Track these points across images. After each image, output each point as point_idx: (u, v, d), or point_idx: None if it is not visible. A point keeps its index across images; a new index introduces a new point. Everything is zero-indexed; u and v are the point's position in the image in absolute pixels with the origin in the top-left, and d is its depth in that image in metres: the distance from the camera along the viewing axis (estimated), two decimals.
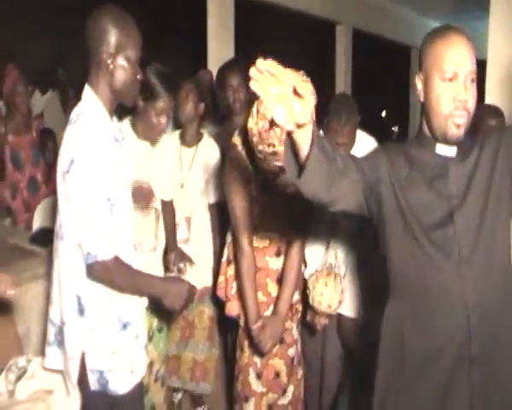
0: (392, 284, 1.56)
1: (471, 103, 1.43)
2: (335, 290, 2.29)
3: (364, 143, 2.52)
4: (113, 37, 1.63)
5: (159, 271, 2.46)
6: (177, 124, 2.92)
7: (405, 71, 9.17)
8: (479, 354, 1.45)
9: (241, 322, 2.24)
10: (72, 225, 1.61)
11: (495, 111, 2.56)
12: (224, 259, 2.33)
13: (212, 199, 2.80)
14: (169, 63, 2.95)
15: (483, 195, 1.49)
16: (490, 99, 3.29)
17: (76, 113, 1.65)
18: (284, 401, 2.24)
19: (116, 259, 1.62)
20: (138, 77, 1.72)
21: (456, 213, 1.48)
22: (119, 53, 1.64)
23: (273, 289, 2.19)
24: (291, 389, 2.24)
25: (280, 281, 2.18)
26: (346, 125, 2.37)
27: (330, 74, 7.09)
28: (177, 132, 2.82)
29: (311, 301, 2.31)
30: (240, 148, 2.07)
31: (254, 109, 1.89)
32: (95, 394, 1.69)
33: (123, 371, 1.72)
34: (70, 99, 4.88)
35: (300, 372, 2.31)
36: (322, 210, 1.66)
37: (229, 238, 2.31)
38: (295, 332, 2.27)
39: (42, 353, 1.88)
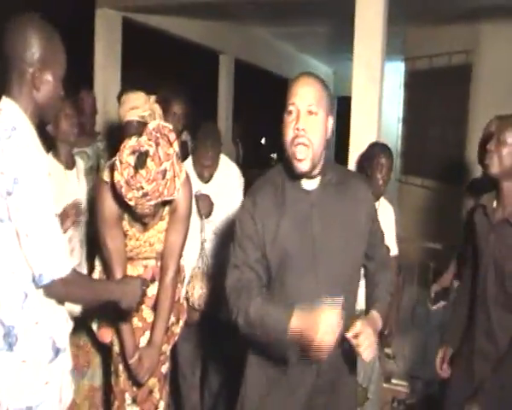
0: None
1: (311, 133, 1.59)
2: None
3: (227, 168, 2.91)
4: (42, 50, 1.54)
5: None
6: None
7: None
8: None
9: (116, 348, 2.24)
10: (6, 249, 1.49)
11: (385, 149, 2.83)
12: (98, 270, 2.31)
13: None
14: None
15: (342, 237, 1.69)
16: (354, 132, 3.60)
17: (3, 128, 1.49)
18: None
19: (74, 271, 1.55)
20: (61, 94, 1.65)
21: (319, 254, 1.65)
22: (46, 67, 1.56)
23: (148, 314, 2.23)
24: (162, 404, 2.27)
25: (155, 307, 2.21)
26: (210, 151, 2.77)
27: (214, 101, 7.27)
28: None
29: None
30: (108, 186, 2.05)
31: (117, 162, 1.92)
32: None
33: (52, 402, 1.61)
34: None
35: (167, 386, 2.35)
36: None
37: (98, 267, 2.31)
38: (168, 351, 2.31)
39: None
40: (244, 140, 7.42)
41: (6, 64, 1.56)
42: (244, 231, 1.69)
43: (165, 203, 2.07)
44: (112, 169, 1.97)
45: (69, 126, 2.59)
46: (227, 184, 2.89)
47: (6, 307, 1.52)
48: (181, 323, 2.39)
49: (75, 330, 2.32)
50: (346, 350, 1.66)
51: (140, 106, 2.66)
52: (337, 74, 10.95)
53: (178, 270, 2.26)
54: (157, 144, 1.92)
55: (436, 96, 6.29)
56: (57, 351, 1.61)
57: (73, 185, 2.61)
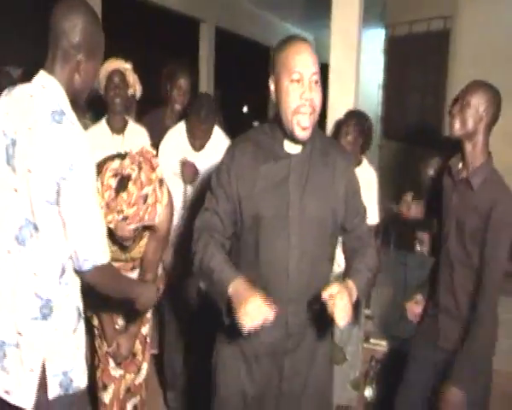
0: None
1: (317, 102, 1.62)
2: None
3: (219, 141, 2.86)
4: (90, 39, 1.57)
5: None
6: None
7: (266, 70, 9.62)
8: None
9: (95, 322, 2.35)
10: (56, 229, 1.54)
11: (352, 115, 2.90)
12: None
13: None
14: (31, 58, 2.92)
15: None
16: (332, 99, 3.66)
17: (51, 110, 1.51)
18: (140, 379, 2.36)
19: (109, 263, 1.63)
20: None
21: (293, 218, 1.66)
22: (92, 56, 1.60)
23: None
24: (145, 366, 2.37)
25: None
26: (204, 122, 2.74)
27: (194, 71, 7.24)
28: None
29: None
30: None
31: (99, 183, 1.90)
32: (52, 403, 1.60)
33: (82, 365, 1.70)
34: None
35: (151, 350, 2.45)
36: None
37: None
38: (149, 313, 2.39)
39: None
40: (225, 108, 7.43)
41: (50, 39, 1.57)
42: (219, 181, 1.72)
43: (145, 228, 2.08)
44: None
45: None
46: (216, 158, 2.92)
47: (44, 282, 1.58)
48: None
49: None
50: (318, 311, 1.66)
51: (120, 63, 2.91)
52: (318, 41, 10.92)
53: (156, 278, 2.31)
54: (140, 168, 1.92)
55: (415, 62, 6.34)
56: (79, 318, 1.70)
57: None
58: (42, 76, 1.56)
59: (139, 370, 2.35)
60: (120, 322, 2.34)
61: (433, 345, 2.18)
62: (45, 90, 1.54)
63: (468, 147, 2.05)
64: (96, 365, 2.34)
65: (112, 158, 2.00)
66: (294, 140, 1.66)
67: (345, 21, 3.62)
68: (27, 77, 1.62)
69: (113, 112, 2.86)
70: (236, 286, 1.52)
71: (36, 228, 1.54)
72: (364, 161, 3.00)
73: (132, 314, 2.27)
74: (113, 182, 1.89)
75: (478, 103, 1.99)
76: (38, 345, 1.59)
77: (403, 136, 6.53)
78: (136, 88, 3.00)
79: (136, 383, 2.35)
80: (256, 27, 8.18)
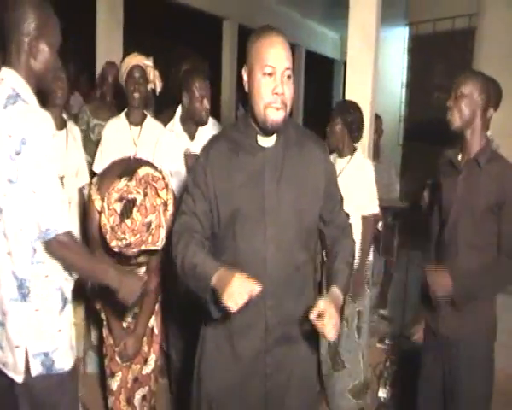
0: None
1: (288, 96, 1.61)
2: None
3: (211, 127, 2.85)
4: (36, 20, 1.64)
5: None
6: None
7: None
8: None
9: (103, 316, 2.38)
10: (16, 208, 1.60)
11: (338, 107, 2.94)
12: None
13: None
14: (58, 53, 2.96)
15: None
16: (349, 97, 3.63)
17: (6, 95, 1.61)
18: (147, 369, 2.39)
19: (72, 236, 1.64)
20: (57, 63, 1.74)
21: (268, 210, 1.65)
22: (42, 37, 1.66)
23: None
24: (153, 357, 2.40)
25: None
26: (205, 78, 2.79)
27: (217, 68, 7.27)
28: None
29: None
30: (98, 205, 2.06)
31: (105, 204, 1.94)
32: (37, 379, 1.67)
33: (66, 348, 1.73)
34: None
35: (159, 342, 2.47)
36: None
37: None
38: (157, 305, 2.42)
39: None
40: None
41: (5, 37, 1.66)
42: (195, 181, 1.71)
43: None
44: (101, 194, 2.02)
45: (55, 88, 2.62)
46: None
47: (18, 262, 1.64)
48: None
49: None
50: (307, 331, 1.67)
51: (142, 59, 2.95)
52: (343, 40, 10.86)
53: (161, 280, 2.34)
54: (145, 194, 1.95)
55: (439, 61, 6.26)
56: (65, 301, 1.73)
57: (61, 147, 2.67)
58: (2, 71, 1.67)
59: (146, 361, 2.38)
60: (129, 319, 2.37)
61: (434, 334, 2.21)
62: (3, 82, 1.64)
63: (468, 133, 2.14)
64: (105, 353, 2.38)
65: (119, 176, 2.01)
66: (267, 133, 1.65)
67: (362, 17, 3.57)
68: None
69: (132, 105, 2.92)
70: (219, 274, 1.51)
71: (0, 210, 1.62)
72: (358, 152, 2.99)
73: (141, 313, 2.30)
74: (119, 206, 1.93)
75: (471, 92, 2.09)
76: (20, 325, 1.65)
77: (426, 136, 6.45)
78: (156, 83, 3.04)
79: (144, 373, 2.38)
80: (279, 25, 7.96)
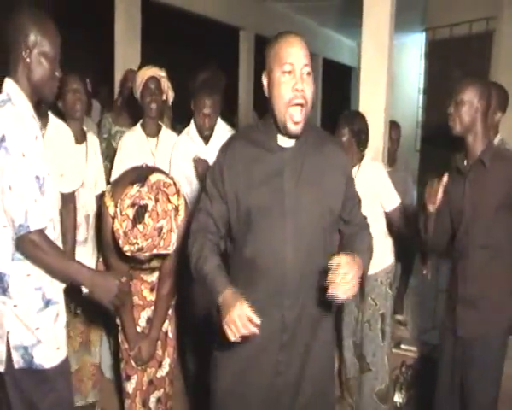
0: None
1: (308, 93, 1.63)
2: None
3: (223, 132, 2.91)
4: (30, 32, 1.73)
5: (90, 263, 2.61)
6: None
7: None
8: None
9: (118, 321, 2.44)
10: (0, 204, 1.67)
11: (345, 116, 2.98)
12: (101, 260, 2.51)
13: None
14: (77, 63, 3.07)
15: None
16: (363, 104, 3.65)
17: (1, 100, 1.71)
18: (162, 372, 2.44)
19: (43, 233, 1.69)
20: (57, 74, 1.81)
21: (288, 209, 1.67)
22: (35, 48, 1.74)
23: (147, 294, 2.43)
24: (167, 361, 2.45)
25: (153, 289, 2.41)
26: (209, 95, 2.89)
27: (234, 77, 7.35)
28: None
29: None
30: (111, 211, 2.14)
31: (118, 210, 2.01)
32: (20, 372, 1.74)
33: (47, 346, 1.78)
34: None
35: (173, 345, 2.51)
36: None
37: None
38: (170, 310, 2.47)
39: None
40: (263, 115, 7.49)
41: (7, 50, 1.76)
42: (213, 181, 1.74)
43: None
44: (114, 200, 2.10)
45: (75, 101, 2.71)
46: None
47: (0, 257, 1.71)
48: None
49: (82, 308, 2.53)
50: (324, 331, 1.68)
51: (156, 70, 3.04)
52: (360, 47, 10.82)
53: (174, 285, 2.39)
54: (156, 200, 2.02)
55: (456, 65, 6.22)
56: (48, 302, 1.79)
57: (81, 159, 2.75)
58: (5, 81, 1.78)
59: (160, 364, 2.43)
60: (142, 323, 2.42)
61: (453, 337, 2.25)
62: (3, 91, 1.76)
63: (470, 139, 2.20)
64: (121, 357, 2.44)
65: (132, 183, 2.07)
66: (288, 134, 1.67)
67: (376, 25, 3.61)
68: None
69: (148, 116, 2.99)
70: (225, 296, 1.55)
71: None
72: (366, 158, 3.03)
73: (154, 317, 2.36)
74: (131, 212, 1.99)
75: (471, 98, 2.16)
76: (2, 317, 1.73)
77: (443, 141, 6.38)
78: (169, 94, 3.12)
79: (159, 376, 2.44)
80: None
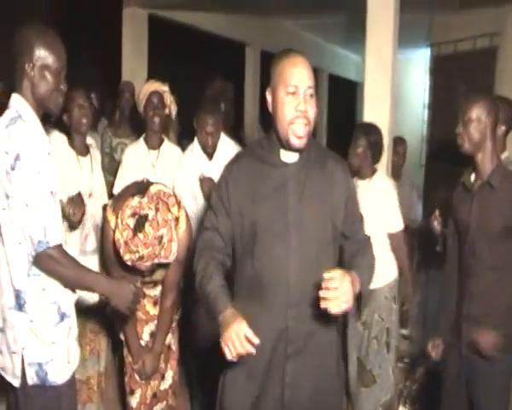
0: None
1: (311, 114, 1.68)
2: None
3: (230, 147, 2.98)
4: (34, 46, 1.75)
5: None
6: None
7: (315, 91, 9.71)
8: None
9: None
10: (14, 222, 1.69)
11: (359, 129, 2.98)
12: None
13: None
14: (85, 79, 3.13)
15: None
16: (367, 119, 3.68)
17: (10, 117, 1.73)
18: (165, 385, 2.45)
19: (62, 249, 1.73)
20: (62, 87, 1.83)
21: (292, 224, 1.69)
22: (39, 62, 1.76)
23: (150, 308, 2.47)
24: (170, 373, 2.46)
25: (156, 303, 2.44)
26: (210, 117, 2.95)
27: (240, 92, 7.40)
28: None
29: None
30: (113, 224, 2.17)
31: (119, 220, 2.05)
32: (33, 389, 1.76)
33: (61, 362, 1.80)
34: None
35: (176, 358, 2.53)
36: None
37: None
38: (174, 322, 2.49)
39: None
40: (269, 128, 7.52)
41: (13, 65, 1.79)
42: (218, 196, 1.78)
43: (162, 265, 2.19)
44: (116, 213, 2.13)
45: (80, 116, 2.76)
46: None
47: (15, 274, 1.73)
48: None
49: (91, 318, 2.53)
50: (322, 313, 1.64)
51: (159, 85, 3.11)
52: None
53: (178, 298, 2.42)
54: (156, 210, 2.06)
55: (461, 81, 6.25)
56: (63, 316, 1.81)
57: (86, 172, 2.82)
58: (12, 97, 1.80)
59: (163, 377, 2.45)
60: (145, 337, 2.44)
61: (458, 355, 2.25)
62: (11, 107, 1.78)
63: (479, 156, 2.17)
64: (125, 372, 2.45)
65: (132, 194, 2.11)
66: (290, 149, 1.71)
67: (379, 42, 3.65)
68: (8, 90, 1.85)
69: (151, 130, 3.05)
70: (225, 315, 1.57)
71: None
72: (378, 172, 3.04)
73: (158, 331, 2.37)
74: (131, 222, 2.02)
75: (479, 115, 2.14)
76: (18, 333, 1.74)
77: (448, 156, 6.39)
78: (171, 108, 3.17)
79: (162, 388, 2.45)
80: (301, 49, 8.26)
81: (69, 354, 1.84)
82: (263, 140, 1.84)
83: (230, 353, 1.51)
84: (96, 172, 2.91)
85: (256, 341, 1.51)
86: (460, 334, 2.23)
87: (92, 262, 2.69)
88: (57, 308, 1.79)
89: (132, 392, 2.42)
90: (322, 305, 1.52)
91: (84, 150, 2.83)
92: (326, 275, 1.51)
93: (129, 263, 2.07)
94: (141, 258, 2.03)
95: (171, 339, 2.49)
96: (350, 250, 1.87)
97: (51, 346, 1.77)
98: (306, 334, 1.74)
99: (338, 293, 1.50)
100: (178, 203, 2.17)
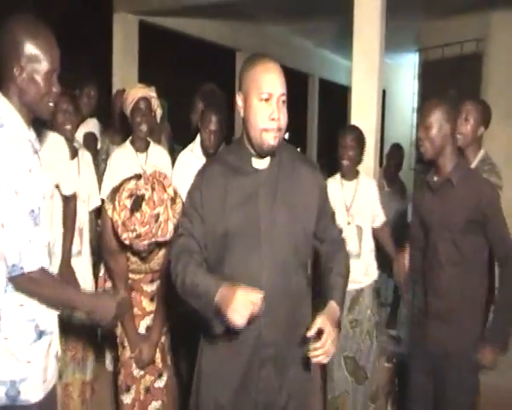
0: None
1: (283, 121, 1.68)
2: None
3: None
4: (23, 48, 1.55)
5: (85, 274, 2.71)
6: None
7: (304, 96, 9.78)
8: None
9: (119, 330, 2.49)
10: None
11: (347, 130, 3.05)
12: (101, 274, 2.58)
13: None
14: (75, 84, 3.15)
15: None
16: (354, 122, 3.74)
17: None
18: (160, 383, 2.49)
19: (42, 270, 1.59)
20: (54, 90, 1.65)
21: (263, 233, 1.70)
22: (28, 65, 1.57)
23: (147, 304, 2.50)
24: (166, 373, 2.50)
25: (152, 298, 2.48)
26: (214, 115, 2.97)
27: (231, 98, 7.44)
28: None
29: None
30: (110, 213, 2.19)
31: (116, 203, 2.09)
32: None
33: (36, 381, 1.66)
34: None
35: (169, 360, 2.57)
36: None
37: None
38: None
39: None
40: None
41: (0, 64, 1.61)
42: (192, 204, 1.76)
43: (160, 244, 2.22)
44: (113, 201, 2.17)
45: (64, 121, 2.76)
46: None
47: None
48: None
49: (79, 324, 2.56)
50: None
51: (147, 91, 3.11)
52: None
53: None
54: (153, 189, 2.10)
55: (449, 85, 6.33)
56: (41, 334, 1.67)
57: (73, 174, 2.82)
58: None
59: (160, 375, 2.49)
60: (142, 331, 2.48)
61: (423, 352, 2.28)
62: None
63: (441, 160, 2.18)
64: (118, 371, 2.49)
65: (129, 179, 2.18)
66: (261, 155, 1.71)
67: (366, 46, 3.72)
68: None
69: (138, 135, 3.07)
70: (221, 291, 1.55)
71: None
72: (362, 174, 3.14)
73: (155, 319, 2.42)
74: (128, 202, 2.07)
75: (438, 119, 2.13)
76: None
77: None
78: (157, 112, 3.21)
79: (156, 386, 2.48)
80: (291, 55, 8.32)
81: (46, 373, 1.71)
82: (233, 146, 1.84)
83: (242, 317, 1.49)
84: (84, 175, 2.92)
85: (260, 294, 1.52)
86: (426, 329, 2.26)
87: (75, 264, 2.71)
88: (34, 326, 1.66)
89: (128, 389, 2.44)
90: (314, 361, 1.58)
91: (70, 154, 2.83)
92: (309, 334, 1.57)
93: (127, 242, 2.10)
94: (138, 236, 2.07)
95: (166, 340, 2.54)
96: (325, 252, 1.88)
97: (26, 365, 1.64)
98: (280, 339, 1.74)
99: (326, 347, 1.56)
100: (174, 189, 2.24)
